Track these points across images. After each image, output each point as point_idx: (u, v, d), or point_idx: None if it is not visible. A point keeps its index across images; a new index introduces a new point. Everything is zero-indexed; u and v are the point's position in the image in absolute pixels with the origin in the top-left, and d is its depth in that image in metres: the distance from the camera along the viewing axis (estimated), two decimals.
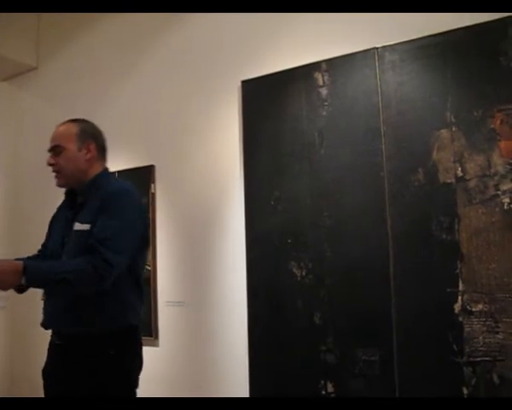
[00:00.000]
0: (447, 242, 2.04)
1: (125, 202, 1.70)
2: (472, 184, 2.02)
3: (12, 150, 3.78)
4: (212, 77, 2.83)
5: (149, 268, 2.89)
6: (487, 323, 1.94)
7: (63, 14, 3.50)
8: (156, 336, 2.86)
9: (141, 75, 3.17)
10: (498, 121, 1.98)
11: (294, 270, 2.37)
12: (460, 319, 1.99)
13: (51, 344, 1.76)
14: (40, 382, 1.74)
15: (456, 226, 2.03)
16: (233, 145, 2.69)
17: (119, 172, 3.02)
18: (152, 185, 2.98)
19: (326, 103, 2.38)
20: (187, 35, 2.99)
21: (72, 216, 1.74)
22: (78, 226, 1.68)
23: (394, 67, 2.22)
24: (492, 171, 1.98)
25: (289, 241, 2.40)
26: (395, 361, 2.09)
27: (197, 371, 2.71)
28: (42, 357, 1.78)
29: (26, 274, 1.50)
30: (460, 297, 1.99)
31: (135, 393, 1.71)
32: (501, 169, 1.96)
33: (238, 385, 2.49)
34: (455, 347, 1.99)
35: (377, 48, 2.27)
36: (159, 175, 2.99)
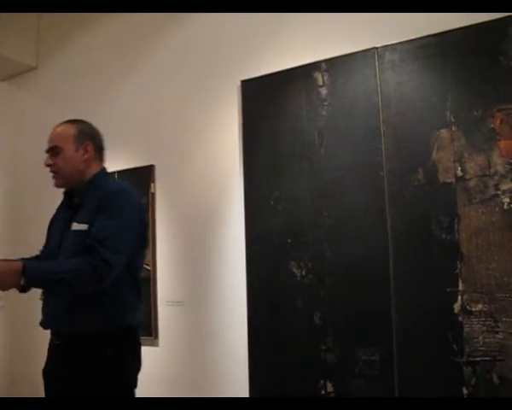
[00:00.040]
0: (447, 241, 2.04)
1: (124, 202, 1.70)
2: (472, 183, 2.02)
3: (12, 150, 3.78)
4: (212, 77, 2.83)
5: (149, 268, 2.89)
6: (487, 323, 1.94)
7: (63, 14, 3.50)
8: (156, 336, 2.86)
9: (141, 75, 3.17)
10: (498, 121, 1.98)
11: (294, 270, 2.37)
12: (460, 318, 1.99)
13: (51, 344, 1.76)
14: (40, 382, 1.74)
15: (456, 226, 2.03)
16: (233, 145, 2.69)
17: (118, 171, 3.02)
18: (152, 185, 2.98)
19: (326, 103, 2.38)
20: (187, 35, 2.99)
21: (70, 216, 1.74)
22: (75, 226, 1.68)
23: (394, 67, 2.22)
24: (492, 170, 1.98)
25: (289, 241, 2.40)
26: (395, 361, 2.09)
27: (197, 371, 2.71)
28: (42, 357, 1.78)
29: (25, 275, 1.50)
30: (460, 297, 1.99)
31: (134, 393, 1.72)
32: (501, 169, 1.96)
33: (238, 385, 2.48)
34: (455, 347, 1.98)
35: (377, 48, 2.26)
36: (158, 175, 2.99)
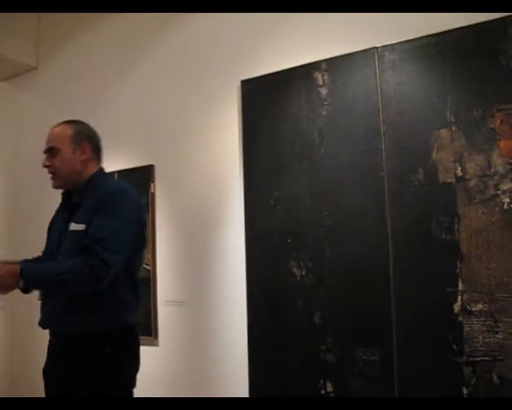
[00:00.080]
0: (447, 241, 2.04)
1: (123, 202, 1.70)
2: (472, 183, 2.01)
3: (11, 150, 3.78)
4: (212, 77, 2.83)
5: (149, 268, 2.89)
6: (487, 323, 1.94)
7: (63, 14, 3.50)
8: (156, 336, 2.86)
9: (141, 75, 3.17)
10: (498, 121, 1.98)
11: (294, 270, 2.37)
12: (460, 318, 1.99)
13: (50, 344, 1.76)
14: (40, 382, 1.74)
15: (456, 226, 2.03)
16: (233, 145, 2.69)
17: (118, 171, 3.02)
18: (152, 185, 2.98)
19: (326, 103, 2.38)
20: (186, 35, 2.99)
21: (69, 217, 1.74)
22: (73, 227, 1.69)
23: (394, 67, 2.22)
24: (492, 170, 1.98)
25: (289, 241, 2.40)
26: (395, 361, 2.09)
27: (197, 371, 2.71)
28: (42, 357, 1.78)
29: (23, 277, 1.51)
30: (460, 297, 1.99)
31: (132, 392, 1.72)
32: (501, 169, 1.96)
33: (238, 385, 2.48)
34: (454, 346, 1.98)
35: (377, 47, 2.26)
36: (158, 175, 2.99)
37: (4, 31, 3.47)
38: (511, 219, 1.93)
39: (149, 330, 2.84)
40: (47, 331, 1.76)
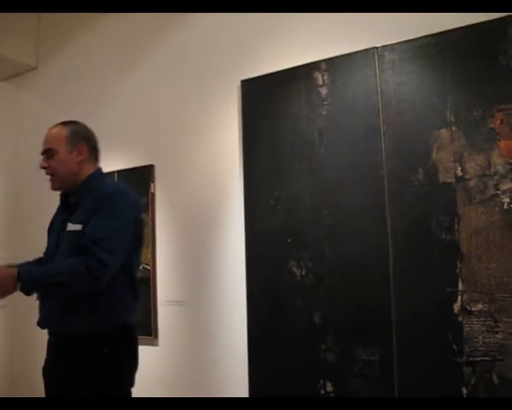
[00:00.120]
0: (447, 241, 2.04)
1: (120, 203, 1.71)
2: (472, 183, 2.02)
3: (11, 150, 3.78)
4: (212, 76, 2.83)
5: (149, 268, 2.90)
6: (487, 323, 1.94)
7: (63, 14, 3.50)
8: (156, 336, 2.86)
9: (140, 75, 3.17)
10: (498, 121, 1.98)
11: (294, 269, 2.37)
12: (460, 318, 1.99)
13: (48, 343, 1.77)
14: (40, 382, 1.74)
15: (456, 226, 2.03)
16: (233, 145, 2.69)
17: (118, 171, 3.03)
18: (151, 185, 2.98)
19: (326, 103, 2.38)
20: (186, 35, 2.99)
21: (67, 217, 1.75)
22: (70, 227, 1.69)
23: (394, 67, 2.22)
24: (492, 170, 1.98)
25: (289, 240, 2.40)
26: (395, 361, 2.09)
27: (197, 371, 2.71)
28: (42, 357, 1.78)
29: (21, 280, 1.51)
30: (460, 297, 1.99)
31: (130, 392, 1.72)
32: (501, 169, 1.96)
33: (238, 385, 2.48)
34: (454, 346, 1.98)
35: (377, 47, 2.26)
36: (158, 175, 2.99)
37: (4, 31, 3.47)
38: (511, 219, 1.93)
39: (149, 330, 2.84)
40: (46, 331, 1.76)
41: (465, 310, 1.98)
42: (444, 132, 2.09)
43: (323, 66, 2.40)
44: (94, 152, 1.85)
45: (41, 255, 1.91)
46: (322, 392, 2.25)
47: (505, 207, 1.94)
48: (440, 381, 2.00)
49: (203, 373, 2.68)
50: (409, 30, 2.19)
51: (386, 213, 2.17)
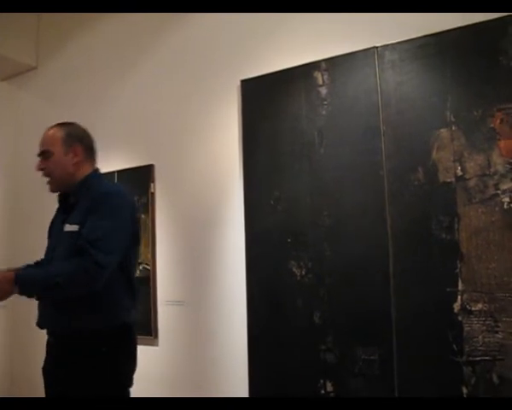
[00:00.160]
0: (447, 241, 2.04)
1: (117, 202, 1.71)
2: (472, 183, 2.01)
3: (11, 150, 3.78)
4: (212, 76, 2.83)
5: (149, 268, 2.90)
6: (487, 322, 1.94)
7: (63, 14, 3.50)
8: (156, 336, 2.86)
9: (141, 75, 3.17)
10: (498, 121, 1.98)
11: (294, 269, 2.37)
12: (460, 318, 1.99)
13: (48, 343, 1.77)
14: (40, 382, 1.75)
15: (456, 226, 2.03)
16: (232, 145, 2.69)
17: (118, 171, 3.03)
18: (151, 185, 2.98)
19: (326, 102, 2.38)
20: (186, 35, 2.99)
21: (65, 218, 1.75)
22: (67, 228, 1.69)
23: (394, 67, 2.22)
24: (492, 170, 1.98)
25: (289, 240, 2.40)
26: (395, 361, 2.09)
27: (197, 371, 2.70)
28: (41, 357, 1.78)
29: (18, 284, 1.52)
30: (459, 297, 1.99)
31: (128, 392, 1.72)
32: (501, 168, 1.96)
33: (238, 385, 2.48)
34: (454, 346, 1.98)
35: (377, 47, 2.26)
36: (158, 175, 2.99)
37: (4, 31, 3.48)
38: (511, 218, 1.93)
39: (149, 330, 2.84)
40: (46, 331, 1.76)
41: (465, 310, 1.98)
42: (444, 132, 2.09)
43: (323, 65, 2.40)
44: (90, 152, 1.85)
45: (42, 257, 1.91)
46: (323, 392, 2.25)
47: (505, 206, 1.94)
48: (440, 381, 2.00)
49: (203, 373, 2.68)
50: (409, 30, 2.19)
51: (386, 213, 2.17)
